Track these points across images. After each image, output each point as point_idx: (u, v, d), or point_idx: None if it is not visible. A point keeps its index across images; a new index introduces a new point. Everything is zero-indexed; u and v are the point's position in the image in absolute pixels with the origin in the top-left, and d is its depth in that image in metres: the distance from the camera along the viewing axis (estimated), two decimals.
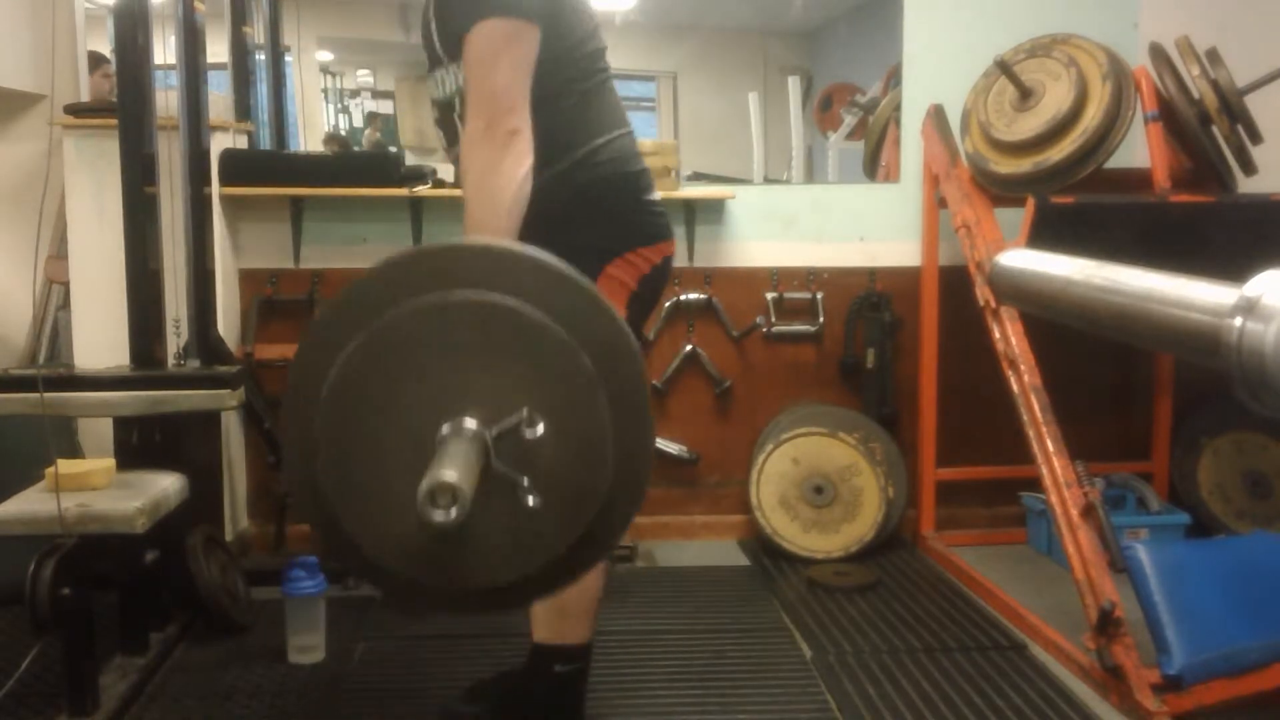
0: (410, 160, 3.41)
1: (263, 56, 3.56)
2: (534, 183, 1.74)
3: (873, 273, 3.56)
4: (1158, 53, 2.94)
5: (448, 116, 1.89)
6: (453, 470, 1.13)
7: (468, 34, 1.72)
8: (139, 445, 2.55)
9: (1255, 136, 2.86)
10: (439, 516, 1.13)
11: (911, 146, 3.53)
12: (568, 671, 1.89)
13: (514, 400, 1.23)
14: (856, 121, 4.17)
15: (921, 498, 3.49)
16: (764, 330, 3.53)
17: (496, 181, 1.70)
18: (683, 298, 3.49)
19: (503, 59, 1.71)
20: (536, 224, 1.76)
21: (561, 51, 1.83)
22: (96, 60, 3.56)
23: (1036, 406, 2.67)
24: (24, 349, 3.29)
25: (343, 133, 4.62)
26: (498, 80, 1.71)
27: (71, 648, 2.16)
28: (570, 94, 1.87)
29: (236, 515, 3.29)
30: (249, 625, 2.72)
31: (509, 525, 1.25)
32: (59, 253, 3.14)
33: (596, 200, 1.88)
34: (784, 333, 3.54)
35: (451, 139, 1.90)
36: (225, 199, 3.19)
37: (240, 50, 3.43)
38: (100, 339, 2.87)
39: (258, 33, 3.53)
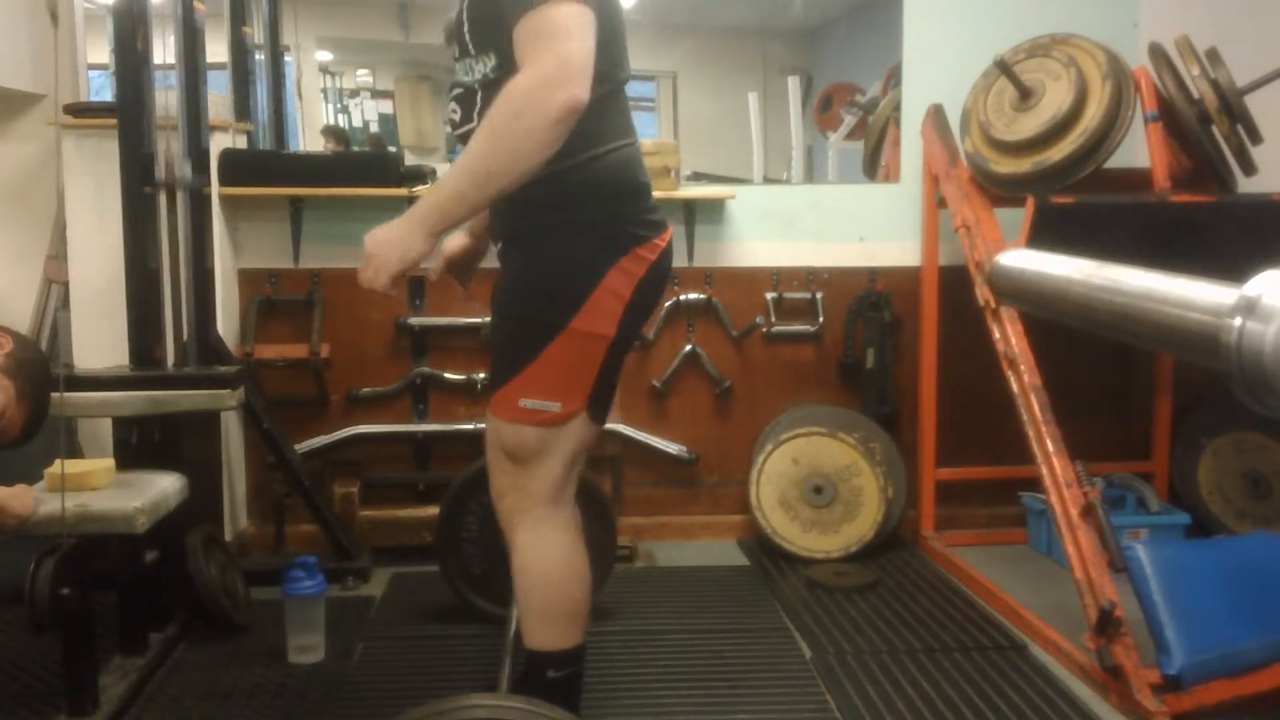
0: (410, 160, 3.41)
1: (262, 56, 3.56)
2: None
3: (872, 273, 3.55)
4: (1157, 52, 2.93)
5: (469, 96, 1.79)
6: None
7: (533, 10, 1.58)
8: (138, 445, 2.55)
9: (1255, 136, 2.85)
10: None
11: (911, 146, 3.53)
12: (561, 677, 1.84)
13: None
14: (856, 121, 4.16)
15: (921, 497, 3.48)
16: (764, 330, 3.53)
17: (527, 145, 1.56)
18: (683, 298, 3.49)
19: (575, 30, 1.58)
20: (524, 209, 1.73)
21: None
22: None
23: (1036, 406, 2.67)
24: None
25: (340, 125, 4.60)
26: (571, 45, 1.57)
27: (71, 648, 2.16)
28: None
29: (236, 515, 3.28)
30: (248, 625, 2.72)
31: None
32: (58, 252, 3.14)
33: (587, 206, 1.76)
34: (784, 333, 3.54)
35: (467, 115, 1.79)
36: (224, 199, 3.19)
37: (239, 50, 3.43)
38: (100, 339, 2.87)
39: (257, 33, 3.53)
